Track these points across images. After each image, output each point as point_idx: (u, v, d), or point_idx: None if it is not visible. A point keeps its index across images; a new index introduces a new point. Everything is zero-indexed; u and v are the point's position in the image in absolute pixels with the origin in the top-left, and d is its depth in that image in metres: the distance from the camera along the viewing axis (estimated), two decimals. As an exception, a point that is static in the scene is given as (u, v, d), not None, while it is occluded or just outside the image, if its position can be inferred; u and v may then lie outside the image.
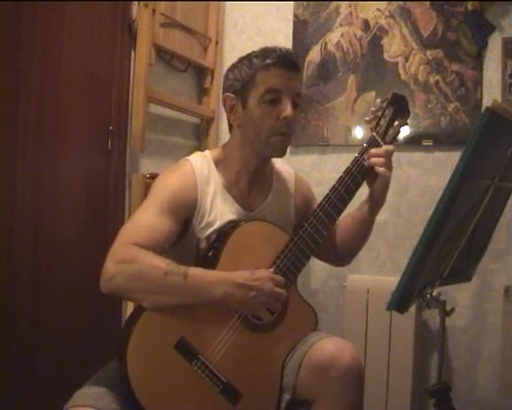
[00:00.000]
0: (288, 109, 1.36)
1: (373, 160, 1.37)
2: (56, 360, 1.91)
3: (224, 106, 1.44)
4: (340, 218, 1.42)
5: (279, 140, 1.39)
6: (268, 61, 1.36)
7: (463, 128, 2.29)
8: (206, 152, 1.49)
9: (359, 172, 1.38)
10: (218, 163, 1.45)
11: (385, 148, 1.38)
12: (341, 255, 1.58)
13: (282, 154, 1.43)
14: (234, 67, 1.43)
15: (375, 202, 1.43)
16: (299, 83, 1.42)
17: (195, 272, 1.26)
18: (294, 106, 1.38)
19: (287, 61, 1.37)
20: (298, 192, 1.57)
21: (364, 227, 1.50)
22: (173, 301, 1.25)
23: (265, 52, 1.38)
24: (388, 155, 1.37)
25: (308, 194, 1.60)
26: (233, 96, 1.41)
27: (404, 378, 2.18)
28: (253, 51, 1.41)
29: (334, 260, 1.63)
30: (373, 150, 1.38)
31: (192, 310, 1.26)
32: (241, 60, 1.42)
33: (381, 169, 1.36)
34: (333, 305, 2.48)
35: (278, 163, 1.56)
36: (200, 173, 1.40)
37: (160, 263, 1.25)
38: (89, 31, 2.04)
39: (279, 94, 1.36)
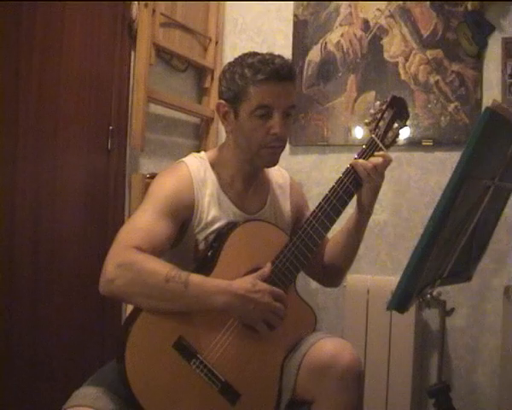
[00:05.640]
0: (277, 126, 1.34)
1: (359, 170, 1.36)
2: (56, 359, 1.91)
3: (218, 112, 1.43)
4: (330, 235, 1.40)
5: (269, 153, 1.38)
6: (259, 76, 1.32)
7: (463, 128, 2.29)
8: (202, 153, 1.48)
9: (357, 174, 1.38)
10: (215, 165, 1.45)
11: (373, 160, 1.37)
12: (329, 273, 1.55)
13: (273, 164, 1.43)
14: (226, 71, 1.40)
15: (362, 209, 1.42)
16: (293, 93, 1.38)
17: (197, 279, 1.25)
18: (287, 115, 1.37)
19: (279, 75, 1.33)
20: (293, 196, 1.57)
21: (351, 237, 1.47)
22: (173, 308, 1.24)
23: (258, 65, 1.33)
24: (374, 167, 1.35)
25: (300, 201, 1.59)
26: (225, 103, 1.39)
27: (404, 378, 2.18)
28: (247, 56, 1.37)
29: (322, 278, 1.59)
30: (361, 161, 1.37)
31: (191, 310, 1.27)
32: (235, 65, 1.38)
33: (364, 178, 1.35)
34: (333, 305, 2.48)
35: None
36: (196, 175, 1.40)
37: (161, 268, 1.24)
38: (89, 31, 2.04)
39: (270, 109, 1.34)
